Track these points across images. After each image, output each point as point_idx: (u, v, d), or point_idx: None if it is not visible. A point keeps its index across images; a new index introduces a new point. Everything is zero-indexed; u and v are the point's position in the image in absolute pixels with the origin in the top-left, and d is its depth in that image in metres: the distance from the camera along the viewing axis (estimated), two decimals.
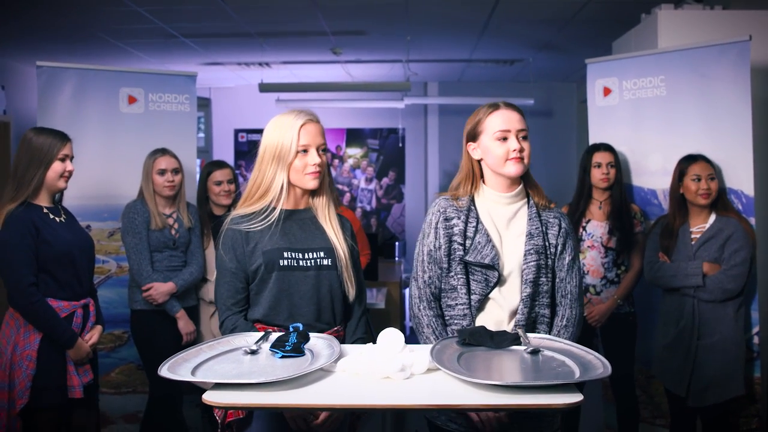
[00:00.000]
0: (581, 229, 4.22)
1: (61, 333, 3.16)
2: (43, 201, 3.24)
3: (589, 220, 4.23)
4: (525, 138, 2.52)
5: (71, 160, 3.29)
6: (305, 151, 2.56)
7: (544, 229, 2.55)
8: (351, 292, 2.65)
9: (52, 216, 3.23)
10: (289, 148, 2.54)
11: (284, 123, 2.57)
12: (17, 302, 3.12)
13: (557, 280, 2.57)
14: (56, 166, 3.21)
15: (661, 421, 4.43)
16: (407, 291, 8.49)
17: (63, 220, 3.29)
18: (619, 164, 4.27)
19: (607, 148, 4.27)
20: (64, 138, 3.26)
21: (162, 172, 4.08)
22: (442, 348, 2.16)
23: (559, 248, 2.56)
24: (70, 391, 3.19)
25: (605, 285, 4.16)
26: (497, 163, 2.53)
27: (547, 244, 2.54)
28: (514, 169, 2.51)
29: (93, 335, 3.32)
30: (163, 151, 4.13)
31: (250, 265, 2.57)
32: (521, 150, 2.49)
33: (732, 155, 4.08)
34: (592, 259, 4.18)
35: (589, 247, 4.18)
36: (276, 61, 8.45)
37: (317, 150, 2.57)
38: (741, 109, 4.14)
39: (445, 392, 1.90)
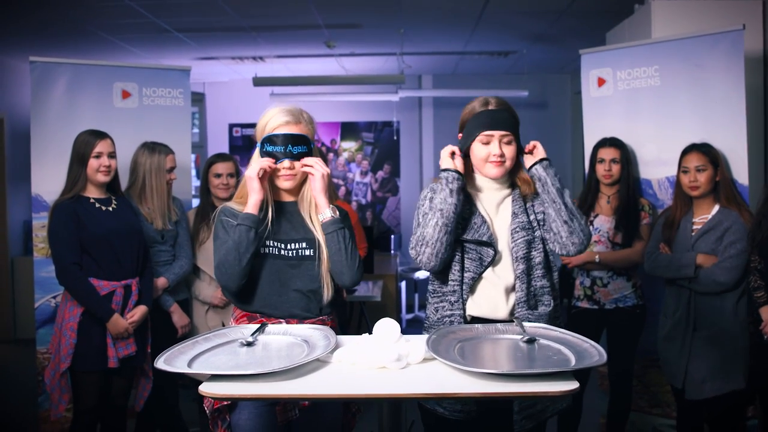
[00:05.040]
0: (589, 224, 4.22)
1: (98, 308, 3.57)
2: (92, 193, 3.66)
3: (597, 215, 4.22)
4: (509, 143, 2.56)
5: (110, 156, 3.65)
6: None
7: (527, 206, 2.63)
8: (327, 293, 2.66)
9: (98, 205, 3.65)
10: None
11: (259, 124, 2.66)
12: (61, 279, 3.59)
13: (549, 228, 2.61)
14: (92, 163, 3.60)
15: (658, 410, 4.45)
16: (403, 284, 8.51)
17: (111, 209, 3.69)
18: (628, 160, 4.24)
19: (612, 143, 4.24)
20: (97, 136, 3.64)
21: (170, 170, 4.12)
22: (438, 338, 2.17)
23: (543, 216, 2.62)
24: (107, 360, 3.61)
25: (612, 277, 4.14)
26: (478, 163, 2.61)
27: (532, 218, 2.61)
28: (493, 172, 2.58)
29: (135, 314, 3.68)
30: (168, 149, 4.15)
31: None
32: (501, 155, 2.52)
33: (726, 144, 4.08)
34: None
35: (596, 241, 4.17)
36: (270, 55, 8.44)
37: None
38: (735, 98, 4.14)
39: (441, 381, 1.91)
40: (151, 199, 4.04)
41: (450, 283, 2.57)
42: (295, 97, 8.57)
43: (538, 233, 2.60)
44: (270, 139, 2.58)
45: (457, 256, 2.57)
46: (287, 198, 2.72)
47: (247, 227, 2.54)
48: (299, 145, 2.59)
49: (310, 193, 2.65)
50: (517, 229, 2.56)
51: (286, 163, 2.59)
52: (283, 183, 2.64)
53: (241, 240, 2.53)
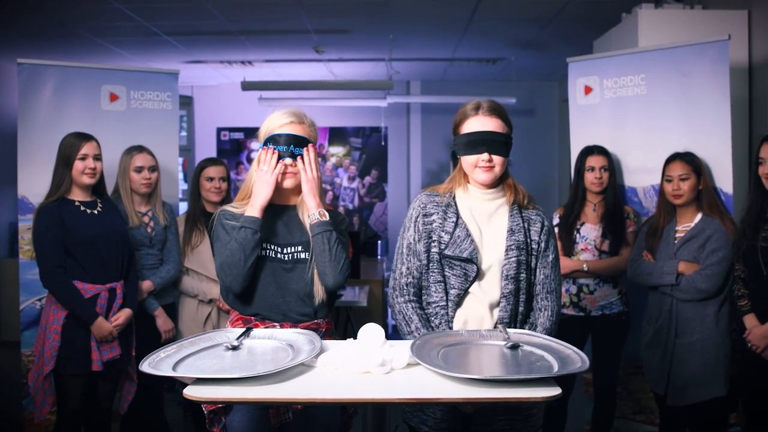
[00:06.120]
0: (575, 232, 4.23)
1: (82, 311, 3.56)
2: (77, 195, 3.66)
3: (583, 223, 4.22)
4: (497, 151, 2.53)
5: (96, 158, 3.65)
6: None
7: (526, 226, 2.56)
8: (318, 295, 2.68)
9: (83, 208, 3.64)
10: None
11: (263, 126, 2.71)
12: (45, 281, 3.58)
13: (542, 276, 2.57)
14: (78, 165, 3.61)
15: (641, 417, 4.46)
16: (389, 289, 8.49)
17: (97, 212, 3.68)
18: (613, 167, 4.27)
19: (600, 151, 4.26)
20: (83, 138, 3.65)
21: (139, 170, 4.07)
22: (422, 343, 2.17)
23: (542, 245, 2.58)
24: (91, 363, 3.60)
25: (598, 284, 4.15)
26: (468, 168, 2.57)
27: (528, 240, 2.55)
28: (482, 177, 2.54)
29: (119, 317, 3.67)
30: (140, 149, 4.12)
31: None
32: (490, 160, 2.51)
33: (711, 153, 4.10)
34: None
35: (582, 249, 4.18)
36: (259, 60, 8.44)
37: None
38: (720, 107, 4.16)
39: (425, 386, 1.91)
40: (123, 199, 4.04)
41: (435, 302, 2.53)
42: (283, 102, 8.56)
43: (531, 259, 2.55)
44: (273, 138, 2.64)
45: (439, 275, 2.53)
46: (289, 202, 2.76)
47: (252, 230, 2.57)
48: (301, 146, 2.65)
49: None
50: (513, 247, 2.51)
51: (288, 161, 2.64)
52: (285, 182, 2.68)
53: (246, 242, 2.56)
